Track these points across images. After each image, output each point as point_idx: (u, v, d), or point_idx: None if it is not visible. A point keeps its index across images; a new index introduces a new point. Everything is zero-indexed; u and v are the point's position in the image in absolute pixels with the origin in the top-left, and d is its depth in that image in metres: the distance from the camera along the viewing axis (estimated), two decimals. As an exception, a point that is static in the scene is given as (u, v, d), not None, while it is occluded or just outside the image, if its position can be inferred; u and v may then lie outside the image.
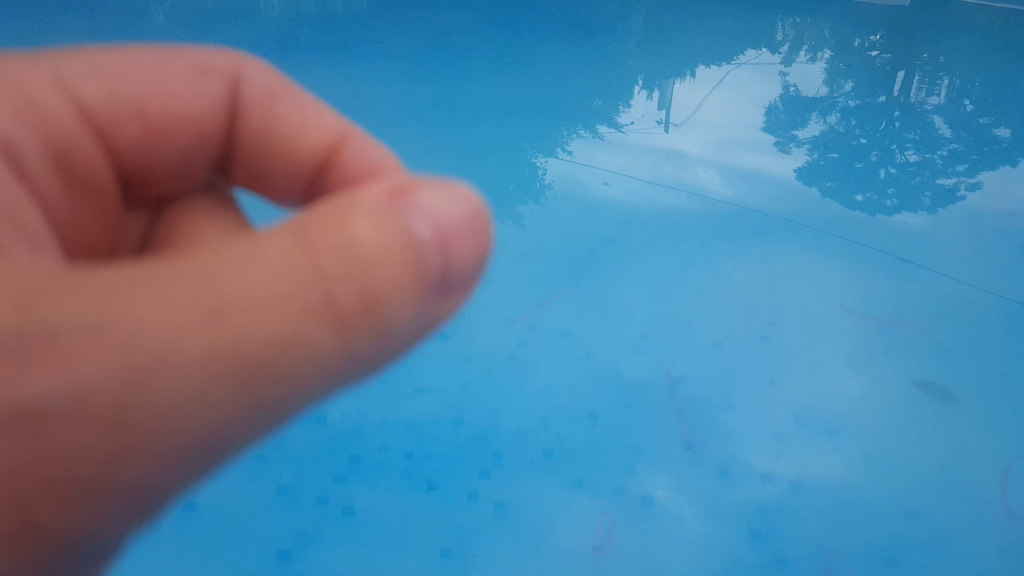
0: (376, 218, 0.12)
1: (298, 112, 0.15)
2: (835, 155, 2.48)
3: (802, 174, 2.33)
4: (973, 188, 2.30)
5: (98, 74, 0.13)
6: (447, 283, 0.13)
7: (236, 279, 0.11)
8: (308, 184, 0.15)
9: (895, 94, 2.92)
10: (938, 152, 2.49)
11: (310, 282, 0.11)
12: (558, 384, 1.59)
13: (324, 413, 1.52)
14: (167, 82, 0.14)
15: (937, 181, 2.36)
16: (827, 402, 1.59)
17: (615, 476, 1.43)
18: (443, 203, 0.13)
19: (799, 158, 2.39)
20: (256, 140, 0.15)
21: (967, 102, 2.93)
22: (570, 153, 2.36)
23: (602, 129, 2.50)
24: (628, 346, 1.69)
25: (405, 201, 0.13)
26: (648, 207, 2.12)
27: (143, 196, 0.15)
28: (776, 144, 2.45)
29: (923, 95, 2.92)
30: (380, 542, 1.35)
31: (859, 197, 2.27)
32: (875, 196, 2.30)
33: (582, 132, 2.48)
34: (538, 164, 2.35)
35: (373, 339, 0.11)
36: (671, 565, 1.32)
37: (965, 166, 2.42)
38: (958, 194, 2.28)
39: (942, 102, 2.85)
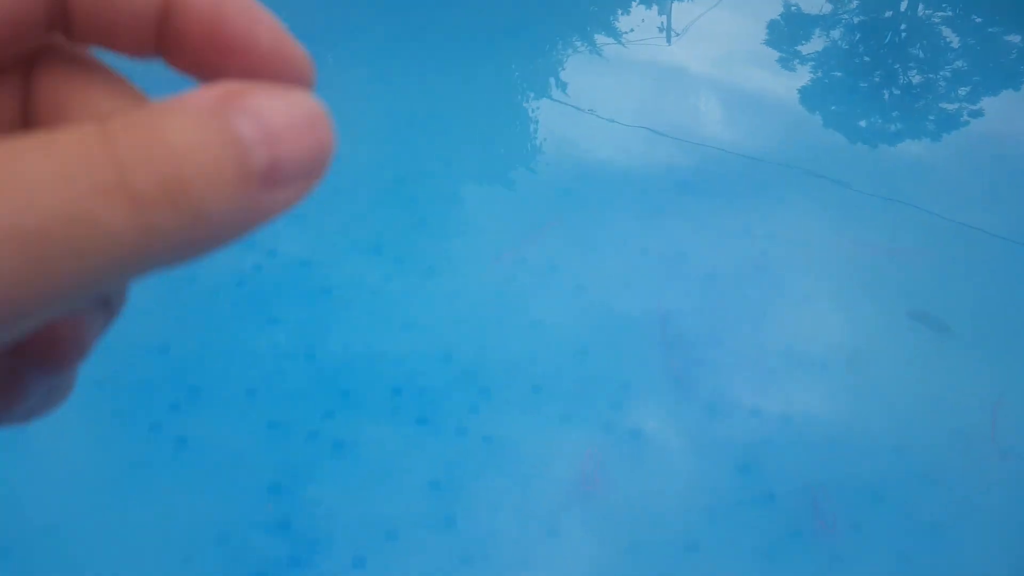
0: (192, 119, 0.13)
1: None
2: (838, 74, 2.39)
3: (805, 95, 2.25)
4: (975, 115, 2.23)
5: None
6: (275, 179, 0.13)
7: (26, 159, 0.12)
8: (157, 30, 0.15)
9: (902, 9, 2.80)
10: (942, 72, 2.40)
11: (102, 165, 0.12)
12: (547, 320, 1.58)
13: (312, 350, 1.51)
14: None
15: (940, 105, 2.29)
16: (819, 334, 1.58)
17: (603, 411, 1.44)
18: (274, 105, 0.13)
19: (803, 76, 2.31)
20: None
21: (975, 17, 2.81)
22: (562, 79, 2.27)
23: (600, 40, 2.40)
24: (618, 279, 1.67)
25: (234, 103, 0.13)
26: (641, 132, 2.06)
27: None
28: (780, 61, 2.36)
29: (931, 10, 2.81)
30: (371, 475, 1.36)
31: (862, 123, 2.20)
32: (878, 121, 2.23)
33: (578, 46, 2.39)
34: (528, 90, 2.27)
35: (179, 221, 0.12)
36: (658, 499, 1.33)
37: (968, 89, 2.35)
38: (961, 120, 2.22)
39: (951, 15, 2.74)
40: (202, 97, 0.13)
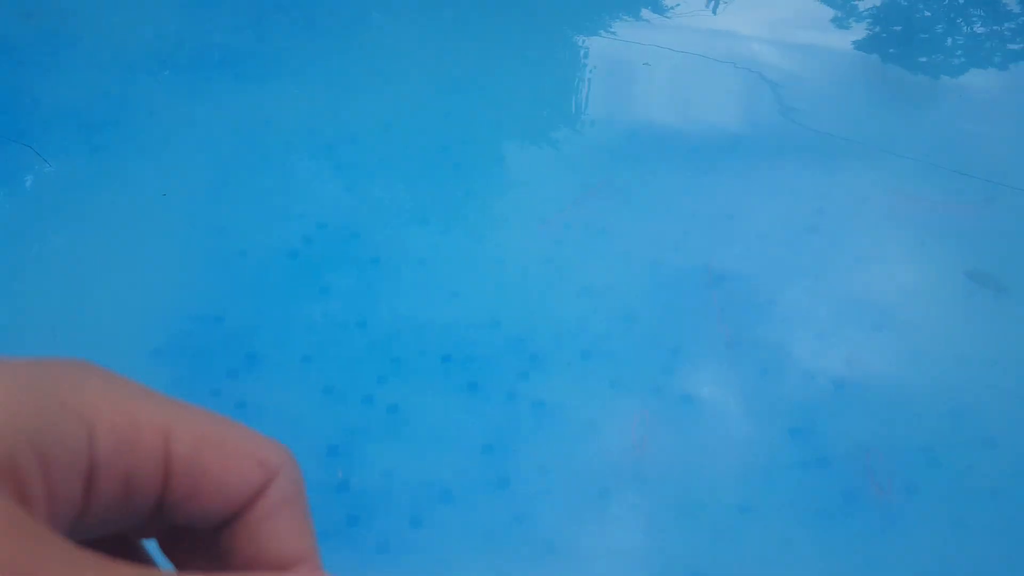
0: None
1: (290, 531, 0.19)
2: (898, 27, 2.30)
3: (858, 53, 2.18)
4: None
5: (194, 439, 0.18)
6: None
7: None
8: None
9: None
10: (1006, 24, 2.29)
11: None
12: (596, 284, 1.57)
13: (364, 318, 1.54)
14: (234, 465, 0.18)
15: (1008, 46, 2.19)
16: (874, 295, 1.55)
17: (653, 376, 1.44)
18: None
19: (859, 32, 2.23)
20: (250, 529, 0.19)
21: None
22: (611, 31, 2.23)
23: (645, 13, 2.35)
24: (668, 241, 1.65)
25: None
26: (689, 89, 2.02)
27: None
28: (833, 20, 2.28)
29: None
30: (425, 438, 1.39)
31: (920, 81, 2.12)
32: (937, 79, 2.14)
33: (623, 16, 2.34)
34: (574, 52, 2.24)
35: None
36: (710, 462, 1.33)
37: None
38: (1018, 89, 2.12)
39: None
40: None
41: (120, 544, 0.20)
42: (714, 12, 2.32)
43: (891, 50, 2.19)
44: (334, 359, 1.49)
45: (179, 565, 0.21)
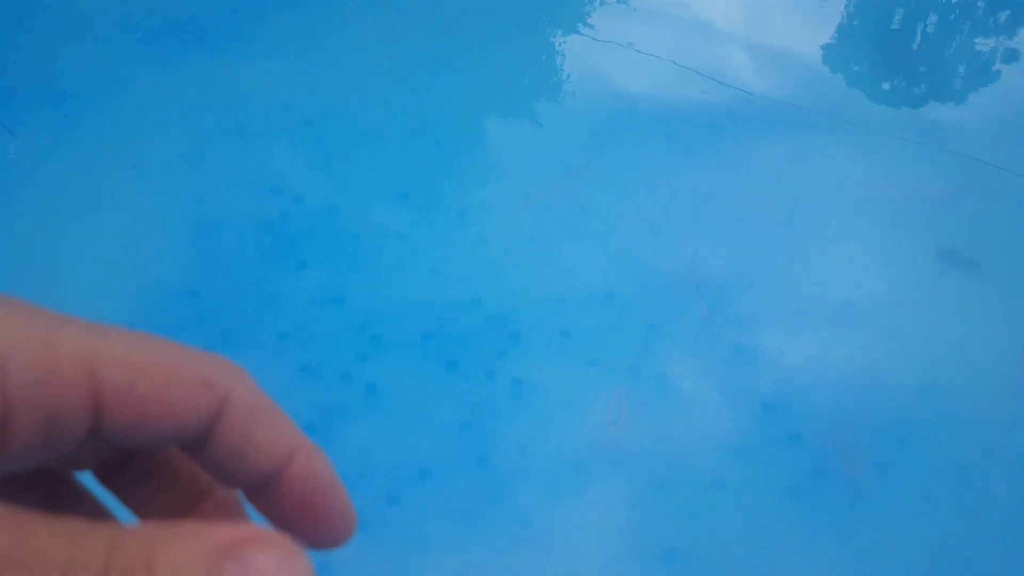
0: (189, 552, 0.14)
1: (270, 433, 0.19)
2: (870, 13, 2.32)
3: (835, 37, 2.19)
4: (1010, 56, 2.16)
5: (124, 368, 0.17)
6: None
7: (29, 527, 0.14)
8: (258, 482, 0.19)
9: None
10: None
11: (87, 563, 0.14)
12: (576, 263, 1.58)
13: (342, 294, 1.53)
14: (174, 391, 0.17)
15: (974, 40, 2.22)
16: (848, 276, 1.57)
17: (631, 354, 1.45)
18: (267, 563, 0.15)
19: (834, 19, 2.24)
20: (228, 447, 0.18)
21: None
22: (590, 22, 2.22)
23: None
24: (647, 223, 1.66)
25: (233, 551, 0.15)
26: (670, 78, 2.02)
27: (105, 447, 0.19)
28: (811, 3, 2.29)
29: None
30: (403, 416, 1.39)
31: (885, 85, 2.14)
32: (910, 60, 2.17)
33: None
34: (555, 33, 2.22)
35: None
36: (684, 438, 1.35)
37: (1003, 21, 2.27)
38: (992, 67, 2.15)
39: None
40: (210, 537, 0.15)
41: (51, 480, 0.20)
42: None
43: (870, 33, 2.21)
44: (311, 336, 1.48)
45: (120, 495, 0.21)
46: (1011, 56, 2.17)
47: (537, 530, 1.26)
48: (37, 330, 0.16)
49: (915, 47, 2.21)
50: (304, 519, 0.20)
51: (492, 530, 1.27)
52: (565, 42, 2.17)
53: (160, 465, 0.21)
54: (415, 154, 1.80)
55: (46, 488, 0.20)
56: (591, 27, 2.17)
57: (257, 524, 0.17)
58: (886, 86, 2.08)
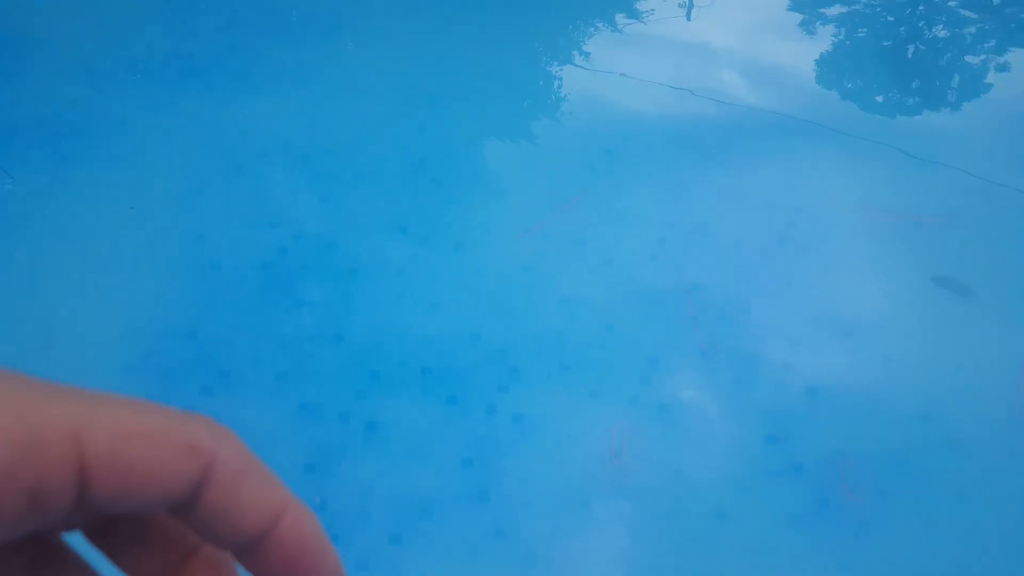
0: None
1: (257, 494, 0.19)
2: (864, 31, 2.34)
3: (828, 57, 2.21)
4: (1000, 69, 2.18)
5: (109, 437, 0.17)
6: None
7: None
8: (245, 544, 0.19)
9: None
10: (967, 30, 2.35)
11: None
12: (574, 295, 1.58)
13: (341, 331, 1.53)
14: (159, 457, 0.17)
15: (965, 59, 2.24)
16: (844, 303, 1.58)
17: (631, 386, 1.45)
18: None
19: (825, 39, 2.27)
20: (215, 509, 0.18)
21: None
22: (585, 51, 2.24)
23: (620, 20, 2.36)
24: (644, 252, 1.67)
25: None
26: (664, 104, 2.04)
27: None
28: (802, 25, 2.32)
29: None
30: (404, 453, 1.39)
31: (879, 98, 2.16)
32: (903, 80, 2.19)
33: (598, 25, 2.35)
34: (551, 63, 2.25)
35: None
36: (687, 471, 1.35)
37: (993, 44, 2.29)
38: (984, 80, 2.17)
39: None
40: None
41: (39, 543, 0.20)
42: (688, 18, 2.35)
43: (856, 69, 2.23)
44: (310, 374, 1.48)
45: (110, 554, 0.21)
46: (1002, 69, 2.19)
47: (542, 565, 1.25)
48: (23, 404, 0.16)
49: (909, 60, 2.24)
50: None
51: (496, 566, 1.26)
52: (561, 72, 2.19)
53: (149, 525, 0.21)
54: (413, 189, 1.80)
55: (34, 550, 0.20)
56: (585, 58, 2.19)
57: None
58: (880, 99, 2.10)
